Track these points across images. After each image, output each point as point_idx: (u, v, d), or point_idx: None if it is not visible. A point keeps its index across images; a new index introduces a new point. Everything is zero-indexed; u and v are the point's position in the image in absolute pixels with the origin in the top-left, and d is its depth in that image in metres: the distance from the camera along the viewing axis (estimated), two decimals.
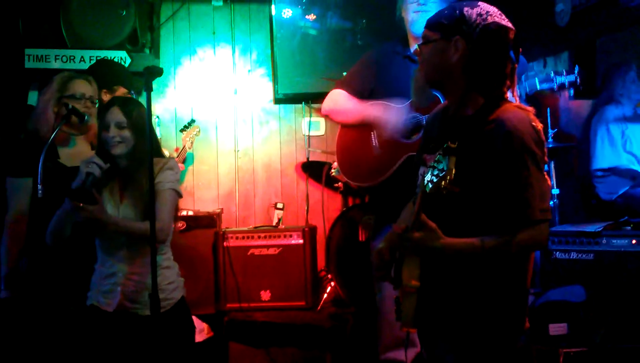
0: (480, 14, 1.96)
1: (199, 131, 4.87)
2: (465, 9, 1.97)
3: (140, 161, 2.58)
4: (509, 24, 1.99)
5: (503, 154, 1.89)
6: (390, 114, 3.02)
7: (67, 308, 2.81)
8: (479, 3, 2.00)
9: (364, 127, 3.13)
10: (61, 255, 2.88)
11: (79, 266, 2.81)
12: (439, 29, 2.00)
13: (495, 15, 1.98)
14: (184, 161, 4.82)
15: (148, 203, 2.41)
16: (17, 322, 2.95)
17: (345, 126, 3.22)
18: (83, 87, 3.06)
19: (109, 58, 4.39)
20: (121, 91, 3.32)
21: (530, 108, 1.99)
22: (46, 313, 2.89)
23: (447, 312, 1.99)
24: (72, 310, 2.76)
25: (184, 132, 4.80)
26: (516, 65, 2.02)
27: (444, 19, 2.00)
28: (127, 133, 2.62)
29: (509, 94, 2.02)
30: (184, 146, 4.73)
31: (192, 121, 4.88)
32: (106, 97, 3.34)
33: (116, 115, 2.63)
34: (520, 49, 2.02)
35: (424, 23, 3.03)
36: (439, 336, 2.06)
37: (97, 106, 3.09)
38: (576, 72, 2.81)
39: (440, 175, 1.83)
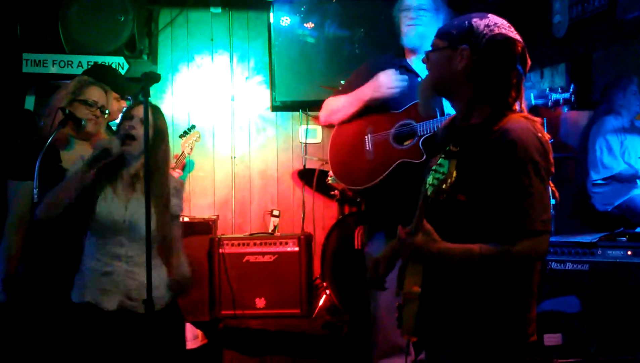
0: (488, 25, 1.99)
1: (199, 137, 4.81)
2: (474, 20, 2.01)
3: (154, 168, 2.59)
4: (517, 37, 2.02)
5: (505, 163, 1.90)
6: (379, 78, 3.08)
7: (64, 308, 2.79)
8: (489, 15, 2.03)
9: (358, 132, 3.14)
10: (58, 256, 2.88)
11: (72, 264, 2.80)
12: (447, 38, 2.04)
13: (504, 27, 2.01)
14: (183, 168, 4.79)
15: (154, 210, 2.49)
16: (15, 325, 2.93)
17: (344, 123, 3.22)
18: (97, 95, 3.08)
19: (106, 64, 4.40)
20: (114, 96, 3.32)
21: (537, 118, 2.00)
22: (44, 315, 2.87)
23: (448, 320, 1.98)
24: (68, 309, 2.74)
25: (183, 138, 4.76)
26: (523, 77, 2.03)
27: (453, 29, 2.04)
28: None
29: (517, 105, 2.03)
30: (183, 152, 4.69)
31: (192, 126, 4.84)
32: None
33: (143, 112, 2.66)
34: (529, 62, 2.03)
35: (416, 36, 3.09)
36: (440, 344, 2.04)
37: (106, 116, 3.11)
38: (571, 90, 2.82)
39: (441, 178, 1.84)
